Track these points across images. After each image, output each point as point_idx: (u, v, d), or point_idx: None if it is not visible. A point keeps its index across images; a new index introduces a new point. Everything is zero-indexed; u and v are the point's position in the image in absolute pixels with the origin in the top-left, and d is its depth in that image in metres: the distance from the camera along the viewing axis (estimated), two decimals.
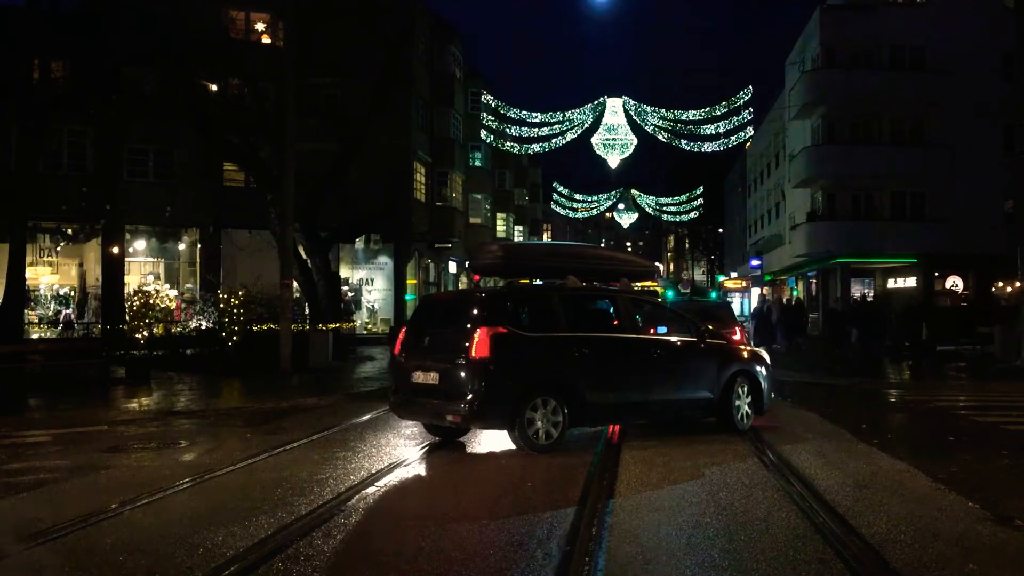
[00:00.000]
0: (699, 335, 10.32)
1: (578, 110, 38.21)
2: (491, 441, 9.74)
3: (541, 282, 10.17)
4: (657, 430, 10.11)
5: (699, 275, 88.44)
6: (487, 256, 10.86)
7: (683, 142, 37.47)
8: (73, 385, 15.35)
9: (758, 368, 10.64)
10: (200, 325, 23.15)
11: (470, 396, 8.43)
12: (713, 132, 36.34)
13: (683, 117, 36.89)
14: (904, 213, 34.90)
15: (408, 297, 32.40)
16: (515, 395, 8.58)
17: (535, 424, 8.67)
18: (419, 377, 9.13)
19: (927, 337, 18.37)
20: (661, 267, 79.12)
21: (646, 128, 38.03)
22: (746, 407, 10.36)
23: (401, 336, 9.81)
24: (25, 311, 21.30)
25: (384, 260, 33.39)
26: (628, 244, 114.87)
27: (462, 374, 8.55)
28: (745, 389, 10.36)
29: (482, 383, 8.44)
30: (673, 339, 10.23)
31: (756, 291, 47.39)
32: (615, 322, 9.75)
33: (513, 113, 38.92)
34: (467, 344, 8.50)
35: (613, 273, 10.81)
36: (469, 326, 8.63)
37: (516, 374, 8.72)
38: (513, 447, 9.15)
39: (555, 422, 8.77)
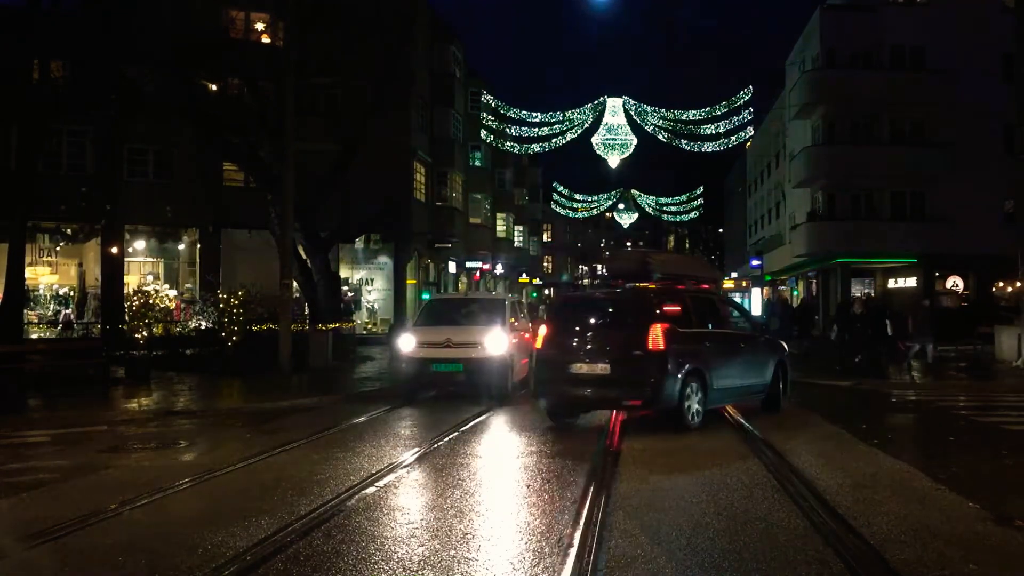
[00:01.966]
0: (758, 330, 12.43)
1: (578, 110, 38.22)
2: (489, 442, 9.74)
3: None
4: (657, 429, 10.11)
5: None
6: (629, 261, 13.10)
7: (683, 142, 37.46)
8: (73, 385, 15.33)
9: (787, 358, 12.45)
10: (200, 325, 23.12)
11: (649, 382, 9.70)
12: (713, 132, 36.33)
13: (683, 117, 36.89)
14: (904, 213, 34.84)
15: (424, 295, 32.02)
16: (680, 381, 9.84)
17: (692, 406, 9.96)
18: (582, 368, 10.13)
19: (892, 334, 18.81)
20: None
21: (646, 128, 38.02)
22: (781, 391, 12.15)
23: (545, 333, 10.76)
24: (25, 311, 21.27)
25: (384, 260, 33.36)
26: (628, 244, 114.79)
27: (640, 364, 9.77)
28: (780, 376, 12.05)
29: (659, 371, 9.69)
30: (749, 333, 12.16)
31: (756, 291, 47.37)
32: (717, 319, 11.52)
33: (513, 113, 38.91)
34: (643, 338, 9.77)
35: (705, 279, 12.53)
36: (642, 323, 9.93)
37: (679, 363, 9.88)
38: (512, 448, 9.14)
39: (700, 401, 10.10)
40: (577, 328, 10.61)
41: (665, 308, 10.36)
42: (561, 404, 10.65)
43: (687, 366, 9.92)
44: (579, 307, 11.76)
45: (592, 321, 10.71)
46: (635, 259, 12.44)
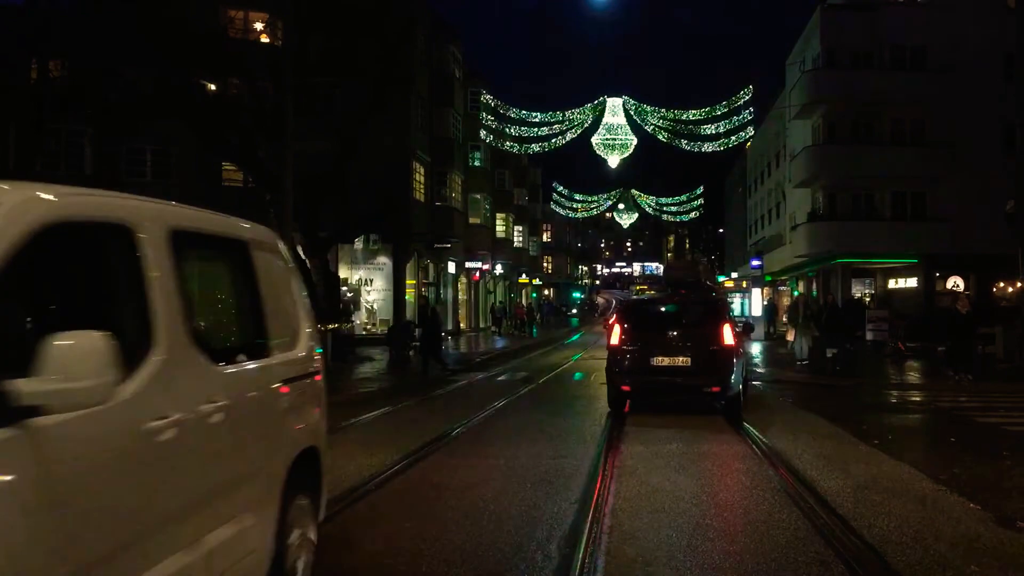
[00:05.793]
0: (745, 329, 14.26)
1: (578, 110, 38.17)
2: (485, 443, 9.70)
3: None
4: (657, 430, 10.07)
5: None
6: (685, 270, 15.04)
7: (683, 142, 37.43)
8: None
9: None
10: None
11: (723, 372, 11.07)
12: (713, 132, 36.30)
13: (683, 117, 36.86)
14: (905, 213, 34.76)
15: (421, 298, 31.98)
16: (741, 371, 11.53)
17: (740, 392, 11.49)
18: (662, 361, 11.53)
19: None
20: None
21: (646, 128, 37.99)
22: None
23: (619, 332, 12.04)
24: None
25: (383, 260, 33.30)
26: (628, 244, 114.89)
27: (717, 357, 11.23)
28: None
29: (732, 362, 11.20)
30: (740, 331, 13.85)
31: (756, 291, 47.35)
32: (734, 319, 13.33)
33: (513, 113, 38.85)
34: (718, 336, 11.37)
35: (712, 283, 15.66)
36: (717, 323, 11.62)
37: (738, 357, 11.58)
38: (506, 449, 9.09)
39: (741, 386, 11.67)
40: (651, 327, 12.10)
41: (723, 310, 12.61)
42: (643, 387, 11.82)
43: (740, 359, 11.65)
44: (649, 310, 13.53)
45: (665, 321, 12.31)
46: (689, 268, 15.50)
